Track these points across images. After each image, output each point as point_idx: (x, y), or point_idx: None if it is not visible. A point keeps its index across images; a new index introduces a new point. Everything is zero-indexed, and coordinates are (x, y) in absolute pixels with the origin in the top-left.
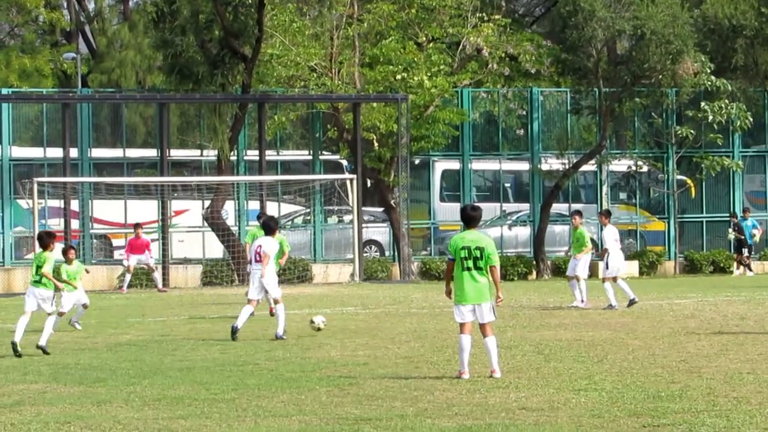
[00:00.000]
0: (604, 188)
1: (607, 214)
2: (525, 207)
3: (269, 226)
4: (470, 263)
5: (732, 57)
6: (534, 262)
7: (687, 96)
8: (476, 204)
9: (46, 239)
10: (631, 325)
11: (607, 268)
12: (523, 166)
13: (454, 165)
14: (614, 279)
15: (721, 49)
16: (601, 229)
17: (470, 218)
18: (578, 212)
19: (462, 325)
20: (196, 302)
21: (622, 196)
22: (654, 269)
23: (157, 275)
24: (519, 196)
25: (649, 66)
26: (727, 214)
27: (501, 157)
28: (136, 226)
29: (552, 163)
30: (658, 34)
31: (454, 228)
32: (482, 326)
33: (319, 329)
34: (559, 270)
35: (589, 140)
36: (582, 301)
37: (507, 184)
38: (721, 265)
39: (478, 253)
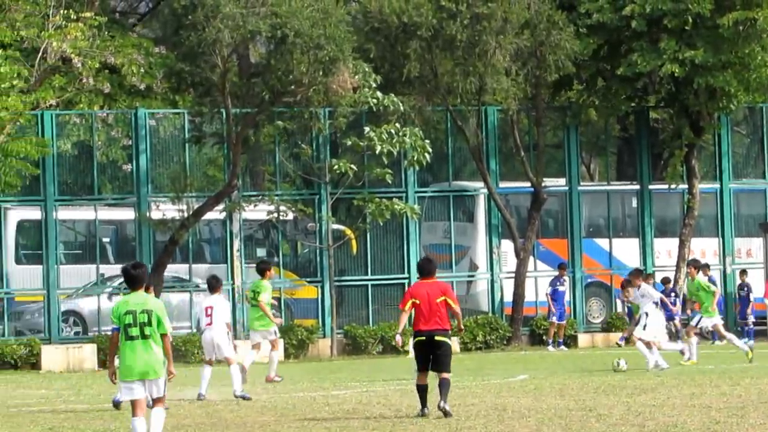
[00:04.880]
0: (236, 243)
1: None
2: None
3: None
4: (136, 331)
5: (404, 66)
6: None
7: (345, 118)
8: (140, 262)
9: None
10: (273, 426)
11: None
12: (128, 214)
13: (34, 214)
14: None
15: (390, 55)
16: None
17: (133, 278)
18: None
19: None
20: None
21: (261, 252)
22: (304, 349)
23: None
24: (122, 254)
25: (293, 79)
26: (401, 275)
27: (98, 202)
28: None
29: (166, 210)
30: (305, 36)
31: (36, 299)
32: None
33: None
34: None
35: (215, 178)
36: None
37: (106, 239)
38: (392, 343)
39: (145, 318)
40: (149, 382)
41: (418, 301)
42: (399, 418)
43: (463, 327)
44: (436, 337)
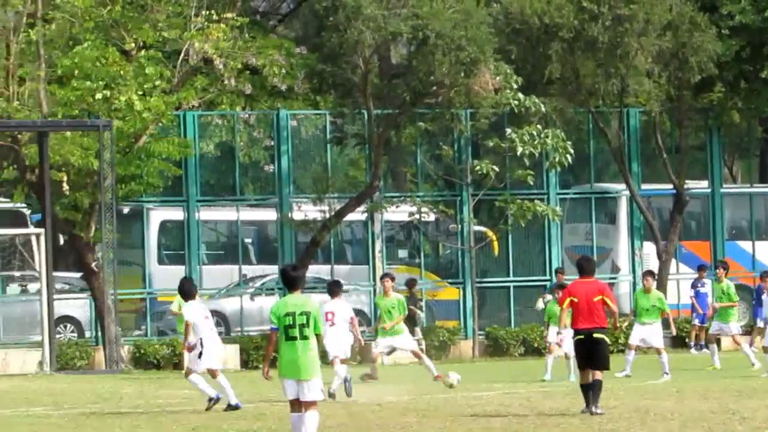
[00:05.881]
0: (378, 244)
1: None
2: (272, 270)
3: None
4: (295, 332)
5: (545, 67)
6: None
7: (486, 120)
8: (299, 264)
9: None
10: (415, 427)
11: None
12: (270, 215)
13: (176, 214)
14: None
15: (531, 57)
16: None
17: (292, 280)
18: (651, 272)
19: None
20: None
21: (402, 254)
22: (446, 351)
23: None
24: (264, 255)
25: (434, 80)
26: (543, 277)
27: (240, 203)
28: None
29: (307, 211)
30: (446, 37)
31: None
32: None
33: (452, 386)
34: None
35: (356, 179)
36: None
37: (248, 240)
38: (534, 345)
39: (303, 320)
40: (302, 383)
41: (576, 299)
42: (541, 418)
43: (618, 326)
44: (594, 335)
